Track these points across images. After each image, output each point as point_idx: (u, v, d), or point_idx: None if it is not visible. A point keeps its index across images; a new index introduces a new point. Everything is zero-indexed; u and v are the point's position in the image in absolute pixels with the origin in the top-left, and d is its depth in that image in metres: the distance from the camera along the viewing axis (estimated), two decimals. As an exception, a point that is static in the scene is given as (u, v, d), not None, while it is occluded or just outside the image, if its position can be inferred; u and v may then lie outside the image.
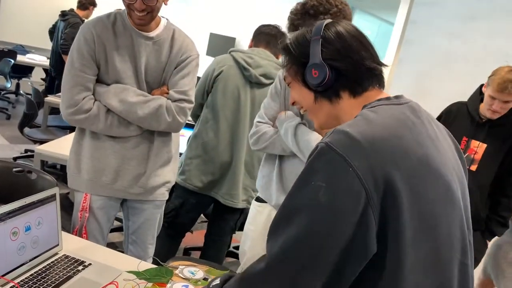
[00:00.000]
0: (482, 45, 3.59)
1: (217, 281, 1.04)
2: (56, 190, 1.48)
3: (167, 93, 1.78)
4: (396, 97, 0.96)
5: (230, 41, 6.55)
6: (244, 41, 6.38)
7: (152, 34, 1.75)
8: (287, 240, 0.82)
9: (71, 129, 4.13)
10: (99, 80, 1.74)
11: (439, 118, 2.37)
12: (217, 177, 2.41)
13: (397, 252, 0.81)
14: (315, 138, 1.62)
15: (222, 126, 2.34)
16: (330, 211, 0.79)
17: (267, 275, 0.83)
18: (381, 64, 0.98)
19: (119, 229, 2.98)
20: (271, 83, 2.33)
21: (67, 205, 2.57)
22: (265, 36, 2.43)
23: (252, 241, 1.88)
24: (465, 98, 2.42)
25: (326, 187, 0.80)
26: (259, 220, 1.86)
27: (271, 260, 0.84)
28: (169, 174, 1.93)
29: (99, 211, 1.84)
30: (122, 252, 1.77)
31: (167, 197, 1.96)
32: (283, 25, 2.48)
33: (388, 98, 0.95)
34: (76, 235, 1.82)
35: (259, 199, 1.89)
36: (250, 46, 2.48)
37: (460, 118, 2.36)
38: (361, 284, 0.83)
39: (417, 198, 0.83)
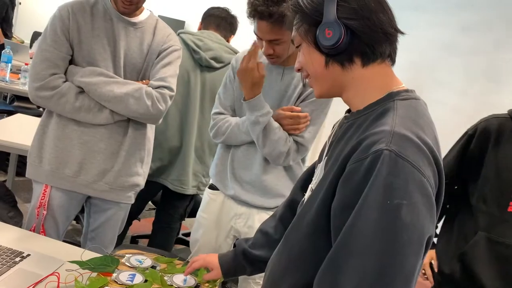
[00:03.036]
0: (424, 35, 3.72)
1: None
2: (-11, 177, 1.37)
3: (147, 84, 1.70)
4: (411, 90, 0.93)
5: (180, 24, 6.39)
6: (194, 24, 6.24)
7: (135, 20, 1.69)
8: (368, 267, 0.75)
9: (9, 113, 3.89)
10: (73, 62, 1.65)
11: (470, 139, 1.71)
12: (166, 163, 2.35)
13: None
14: (283, 141, 1.61)
15: (171, 110, 2.27)
16: (416, 230, 0.76)
17: None
18: (398, 31, 0.91)
19: (76, 218, 2.82)
20: (222, 67, 2.30)
21: (3, 194, 2.41)
22: (215, 18, 2.38)
23: (204, 229, 1.86)
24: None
25: (408, 204, 0.75)
26: (212, 208, 1.84)
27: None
28: (139, 178, 1.82)
29: (58, 209, 1.72)
30: (72, 243, 1.68)
31: (133, 201, 1.86)
32: (232, 8, 2.44)
33: (410, 91, 0.92)
34: (33, 231, 1.70)
35: (212, 187, 1.86)
36: (199, 29, 2.42)
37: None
38: None
39: (440, 205, 0.87)
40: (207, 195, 1.88)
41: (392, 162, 0.76)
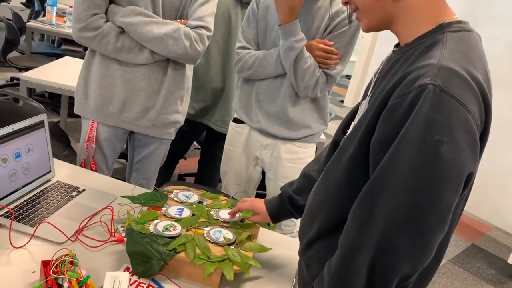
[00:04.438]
0: None
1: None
2: (44, 117, 1.44)
3: (185, 24, 1.70)
4: (464, 22, 0.87)
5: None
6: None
7: None
8: (403, 203, 0.74)
9: (57, 56, 4.00)
10: (113, 1, 1.66)
11: None
12: (209, 104, 2.38)
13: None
14: (312, 70, 1.61)
15: (212, 50, 2.26)
16: (456, 167, 0.74)
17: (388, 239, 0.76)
18: None
19: (122, 156, 2.94)
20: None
21: (58, 134, 2.54)
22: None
23: (232, 160, 1.92)
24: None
25: (449, 141, 0.72)
26: (238, 140, 1.89)
27: (386, 225, 0.76)
28: (179, 115, 1.88)
29: (105, 142, 1.81)
30: (123, 180, 1.78)
31: (173, 137, 1.93)
32: None
33: (463, 23, 0.86)
34: (83, 166, 1.80)
35: (236, 120, 1.90)
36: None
37: None
38: None
39: (486, 142, 0.84)
40: (232, 128, 1.92)
41: (436, 97, 0.73)
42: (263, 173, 1.95)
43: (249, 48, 1.77)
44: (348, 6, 0.95)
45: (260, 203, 1.30)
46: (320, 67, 1.65)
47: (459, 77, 0.75)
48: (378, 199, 0.77)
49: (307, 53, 1.62)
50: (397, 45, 0.94)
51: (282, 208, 1.26)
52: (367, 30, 0.94)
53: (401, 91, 0.77)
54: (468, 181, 0.79)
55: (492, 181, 3.51)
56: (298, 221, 1.83)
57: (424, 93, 0.73)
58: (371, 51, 5.86)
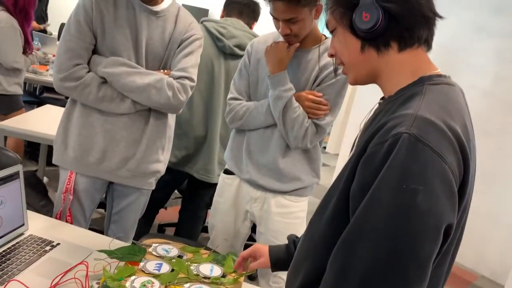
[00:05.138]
0: (456, 17, 3.60)
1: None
2: (19, 168, 1.40)
3: (168, 74, 1.71)
4: (445, 75, 0.89)
5: (203, 12, 6.38)
6: (217, 12, 6.21)
7: (157, 8, 1.68)
8: (379, 252, 0.73)
9: (38, 104, 3.97)
10: (96, 52, 1.66)
11: None
12: (192, 152, 2.36)
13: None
14: (301, 120, 1.62)
15: (196, 99, 2.27)
16: (432, 217, 0.73)
17: None
18: (437, 15, 0.88)
19: (101, 205, 2.88)
20: (246, 54, 2.28)
21: (34, 183, 2.47)
22: (238, 5, 2.35)
23: (221, 214, 1.88)
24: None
25: (425, 190, 0.72)
26: (228, 192, 1.85)
27: (362, 275, 0.74)
28: (160, 165, 1.84)
29: (83, 193, 1.76)
30: (101, 231, 1.71)
31: (154, 187, 1.88)
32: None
33: (443, 76, 0.88)
34: (59, 218, 1.74)
35: (227, 171, 1.87)
36: (222, 17, 2.40)
37: None
38: None
39: (467, 193, 0.82)
40: (222, 180, 1.90)
41: (412, 146, 0.73)
42: (254, 228, 1.91)
43: (240, 99, 1.77)
44: (334, 58, 0.96)
45: (264, 247, 1.27)
46: (309, 118, 1.65)
47: (435, 127, 0.76)
48: (354, 247, 0.76)
49: (295, 103, 1.63)
50: (382, 98, 0.95)
51: (285, 253, 1.22)
52: (354, 83, 0.96)
53: (378, 140, 0.78)
54: (448, 234, 0.77)
55: (475, 229, 3.51)
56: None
57: (400, 142, 0.74)
58: (352, 98, 6.00)
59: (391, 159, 0.74)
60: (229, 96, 1.81)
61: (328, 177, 4.56)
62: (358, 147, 0.86)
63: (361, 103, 4.76)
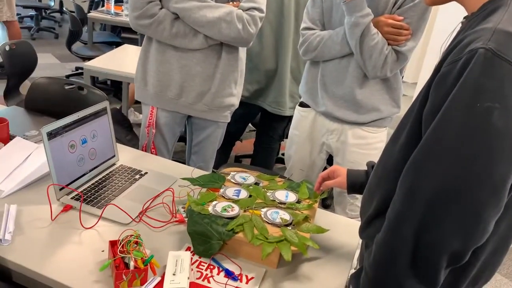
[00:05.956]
0: None
1: None
2: (106, 104, 1.51)
3: (238, 6, 1.71)
4: None
5: None
6: None
7: None
8: (449, 172, 0.71)
9: (117, 44, 4.15)
10: None
11: None
12: (263, 85, 2.37)
13: None
14: (380, 47, 1.54)
15: (265, 30, 2.24)
16: (509, 136, 0.69)
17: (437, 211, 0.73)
18: None
19: (181, 139, 3.05)
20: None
21: (120, 119, 2.65)
22: None
23: (297, 145, 1.90)
24: None
25: (501, 108, 0.68)
26: (304, 124, 1.85)
27: (431, 196, 0.73)
28: (234, 98, 1.90)
29: (165, 127, 1.88)
30: (183, 162, 1.83)
31: (229, 120, 1.96)
32: None
33: None
34: (144, 150, 1.88)
35: (303, 104, 1.86)
36: None
37: None
38: None
39: None
40: (298, 112, 1.89)
41: (488, 61, 0.68)
42: (330, 160, 1.92)
43: (314, 29, 1.71)
44: None
45: (343, 169, 1.29)
46: (389, 44, 1.56)
47: None
48: (424, 168, 0.74)
49: (374, 29, 1.54)
50: (465, 17, 0.89)
51: (364, 177, 1.23)
52: (432, 3, 0.91)
53: (452, 58, 0.74)
54: None
55: None
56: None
57: (475, 58, 0.69)
58: (432, 23, 5.58)
59: (465, 76, 0.70)
60: (302, 26, 1.75)
61: (407, 107, 4.39)
62: (434, 69, 0.82)
63: (442, 26, 4.42)
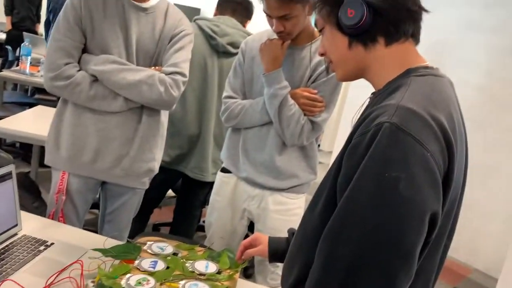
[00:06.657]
0: (447, 13, 3.61)
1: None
2: (12, 168, 1.39)
3: (160, 71, 1.70)
4: (432, 67, 0.90)
5: (195, 11, 6.36)
6: (209, 11, 6.19)
7: (146, 5, 1.68)
8: (363, 240, 0.74)
9: (30, 105, 3.95)
10: (86, 50, 1.65)
11: None
12: (185, 151, 2.35)
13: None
14: (297, 117, 1.62)
15: (189, 97, 2.26)
16: (415, 205, 0.73)
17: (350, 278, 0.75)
18: (422, 8, 0.89)
19: (94, 206, 2.88)
20: (239, 52, 2.28)
21: (27, 185, 2.45)
22: (231, 4, 2.35)
23: (218, 212, 1.88)
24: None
25: (407, 178, 0.72)
26: (225, 190, 1.85)
27: (347, 264, 0.75)
28: (154, 164, 1.84)
29: (76, 193, 1.75)
30: (95, 231, 1.70)
31: (147, 186, 1.88)
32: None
33: (430, 68, 0.89)
34: (52, 219, 1.73)
35: (224, 170, 1.87)
36: (215, 15, 2.39)
37: None
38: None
39: (453, 183, 0.82)
40: (219, 178, 1.90)
41: (393, 134, 0.74)
42: (251, 227, 1.91)
43: (235, 98, 1.78)
44: (324, 57, 0.99)
45: (264, 237, 1.29)
46: (305, 115, 1.65)
47: (417, 116, 0.77)
48: (340, 236, 0.76)
49: (291, 101, 1.63)
50: (373, 93, 0.96)
51: (285, 245, 1.23)
52: (342, 79, 0.98)
53: (361, 130, 0.80)
54: (434, 222, 0.78)
55: (469, 223, 3.54)
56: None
57: (381, 131, 0.75)
58: (344, 97, 6.01)
59: (373, 148, 0.75)
60: (224, 94, 1.81)
61: (323, 174, 4.56)
62: (346, 140, 0.87)
63: (354, 99, 4.78)
